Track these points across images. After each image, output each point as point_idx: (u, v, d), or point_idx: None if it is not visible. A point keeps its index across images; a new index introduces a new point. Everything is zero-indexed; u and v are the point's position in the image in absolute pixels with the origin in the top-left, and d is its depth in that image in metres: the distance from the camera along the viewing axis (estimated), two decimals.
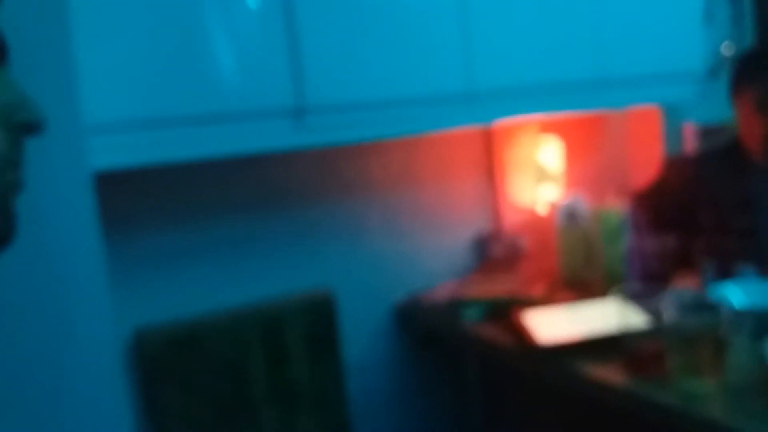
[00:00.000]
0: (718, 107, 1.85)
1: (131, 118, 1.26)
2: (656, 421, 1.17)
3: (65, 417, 0.98)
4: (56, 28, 1.00)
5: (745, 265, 1.42)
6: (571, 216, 1.78)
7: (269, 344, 1.64)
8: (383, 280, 1.86)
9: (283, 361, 1.66)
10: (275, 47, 1.39)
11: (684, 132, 2.20)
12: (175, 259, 1.59)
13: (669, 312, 1.16)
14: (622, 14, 1.81)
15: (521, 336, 1.46)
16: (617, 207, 1.69)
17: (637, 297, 1.25)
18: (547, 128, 2.08)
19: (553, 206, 1.91)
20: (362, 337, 1.84)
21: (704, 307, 1.16)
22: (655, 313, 1.21)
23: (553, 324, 1.48)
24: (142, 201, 1.55)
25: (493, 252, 1.97)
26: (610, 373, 1.27)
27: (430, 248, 1.94)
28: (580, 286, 1.73)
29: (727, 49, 2.24)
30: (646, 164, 2.09)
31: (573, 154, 2.11)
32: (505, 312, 1.60)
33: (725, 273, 1.42)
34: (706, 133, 2.17)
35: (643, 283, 1.52)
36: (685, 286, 1.52)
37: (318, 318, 1.70)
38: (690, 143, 2.19)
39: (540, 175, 2.06)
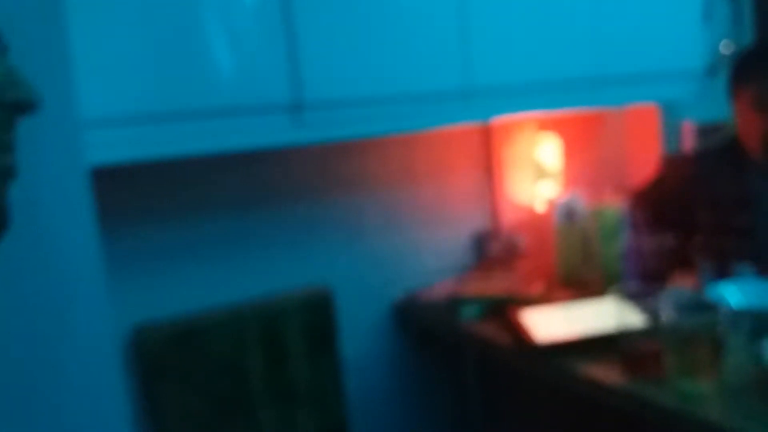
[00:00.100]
0: (717, 105, 1.84)
1: (128, 113, 1.26)
2: (653, 421, 1.18)
3: (64, 415, 0.97)
4: (53, 23, 0.99)
5: (743, 264, 1.42)
6: (568, 214, 1.78)
7: (267, 341, 1.64)
8: (381, 277, 1.86)
9: (281, 357, 1.66)
10: (273, 43, 1.38)
11: (683, 130, 2.20)
12: (173, 255, 1.59)
13: (666, 311, 1.16)
14: (621, 12, 1.80)
15: (519, 334, 1.46)
16: (615, 205, 1.69)
17: (634, 296, 1.25)
18: (545, 126, 2.08)
19: (551, 204, 1.91)
20: (360, 335, 1.84)
21: (702, 306, 1.16)
22: (652, 313, 1.21)
23: (551, 322, 1.48)
24: (139, 197, 1.54)
25: (491, 250, 1.97)
26: (607, 372, 1.27)
27: (428, 245, 1.94)
28: (577, 285, 1.73)
29: (726, 47, 2.24)
30: (644, 162, 2.09)
31: (571, 152, 2.11)
32: (503, 310, 1.61)
33: (723, 272, 1.42)
34: (705, 131, 2.16)
35: (641, 282, 1.52)
36: (682, 285, 1.52)
37: (316, 315, 1.70)
38: (688, 141, 2.18)
39: (538, 173, 2.06)
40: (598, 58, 1.79)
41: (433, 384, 1.97)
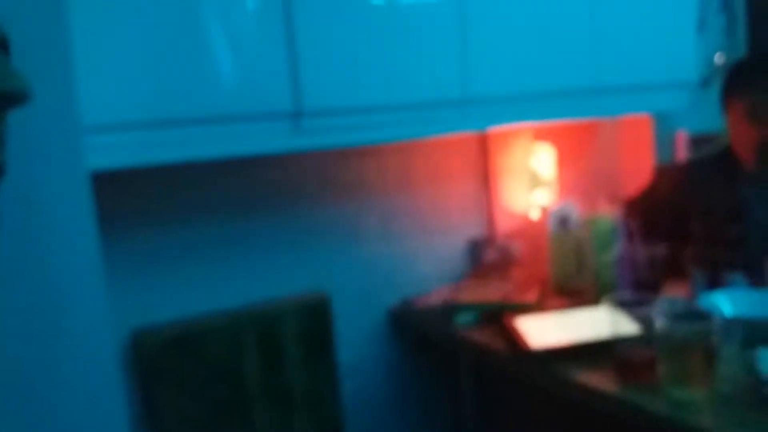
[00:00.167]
0: (710, 116, 1.86)
1: (129, 119, 1.26)
2: (646, 428, 1.18)
3: (62, 418, 0.98)
4: (54, 28, 1.00)
5: (736, 273, 1.43)
6: (562, 222, 1.79)
7: (264, 346, 1.65)
8: (378, 283, 1.88)
9: (278, 362, 1.66)
10: (273, 50, 1.39)
11: (676, 140, 2.22)
12: (171, 260, 1.59)
13: (659, 320, 1.17)
14: (617, 23, 1.82)
15: (514, 340, 1.48)
16: (609, 214, 1.71)
17: (627, 304, 1.25)
18: (540, 135, 2.10)
19: (546, 212, 1.92)
20: (356, 340, 1.85)
21: (694, 315, 1.16)
22: (645, 321, 1.21)
23: (545, 329, 1.50)
24: (139, 202, 1.55)
25: (486, 257, 1.99)
26: (600, 379, 1.28)
27: (424, 252, 1.95)
28: (571, 293, 1.74)
29: (719, 58, 2.26)
30: (637, 172, 2.11)
31: (565, 161, 2.12)
32: (498, 317, 1.62)
33: (715, 282, 1.44)
34: (698, 141, 2.19)
35: (634, 290, 1.53)
36: (675, 294, 1.53)
37: (313, 320, 1.71)
38: (682, 152, 2.21)
39: (533, 181, 2.08)
40: (592, 69, 1.80)
41: (429, 390, 1.98)
